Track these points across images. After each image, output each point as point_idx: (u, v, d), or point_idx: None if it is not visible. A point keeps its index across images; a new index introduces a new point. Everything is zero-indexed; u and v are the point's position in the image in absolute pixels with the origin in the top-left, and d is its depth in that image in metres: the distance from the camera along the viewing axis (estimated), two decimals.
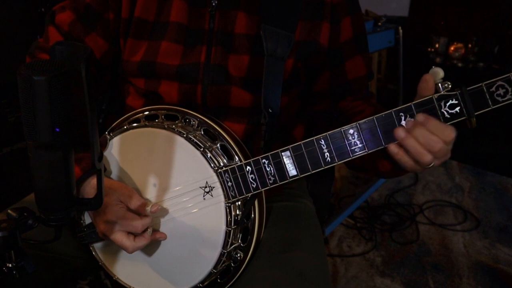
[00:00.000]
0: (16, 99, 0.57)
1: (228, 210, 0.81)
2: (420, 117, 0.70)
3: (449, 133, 0.70)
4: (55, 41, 0.91)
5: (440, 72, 0.70)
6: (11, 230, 0.60)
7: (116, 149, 0.89)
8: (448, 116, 0.71)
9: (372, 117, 0.74)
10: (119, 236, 0.81)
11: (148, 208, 0.82)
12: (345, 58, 0.98)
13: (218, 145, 0.85)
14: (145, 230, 0.83)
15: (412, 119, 0.72)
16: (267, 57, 0.88)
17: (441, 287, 1.96)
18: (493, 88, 0.67)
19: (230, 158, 0.84)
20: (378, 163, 0.87)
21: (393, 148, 0.73)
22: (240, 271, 0.87)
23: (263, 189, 0.82)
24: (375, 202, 2.59)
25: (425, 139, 0.70)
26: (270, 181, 0.80)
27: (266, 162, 0.80)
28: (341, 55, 0.97)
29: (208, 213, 0.83)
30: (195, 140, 0.82)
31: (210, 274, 0.84)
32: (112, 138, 0.89)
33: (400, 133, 0.71)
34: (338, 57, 0.97)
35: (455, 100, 0.70)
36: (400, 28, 2.61)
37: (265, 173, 0.80)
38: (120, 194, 0.82)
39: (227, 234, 0.81)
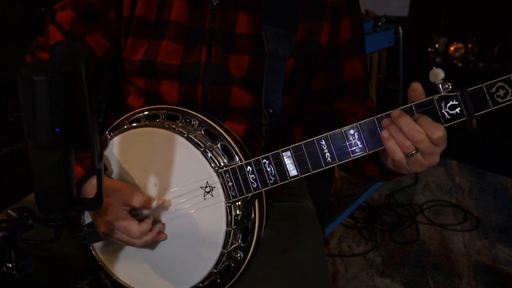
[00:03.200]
0: (16, 99, 0.57)
1: (228, 210, 0.81)
2: (416, 115, 0.71)
3: (436, 129, 0.69)
4: (55, 40, 0.91)
5: (440, 73, 0.70)
6: (11, 230, 0.60)
7: (116, 149, 0.89)
8: (449, 117, 0.71)
9: (372, 117, 0.74)
10: (124, 237, 0.81)
11: (155, 203, 0.82)
12: (343, 59, 0.97)
13: (218, 145, 0.85)
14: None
15: (399, 110, 0.72)
16: (268, 58, 0.88)
17: (441, 287, 1.96)
18: (493, 89, 0.67)
19: (231, 158, 0.84)
20: (365, 166, 0.87)
21: (384, 132, 0.72)
22: (240, 271, 0.87)
23: (263, 189, 0.82)
24: (375, 202, 2.59)
25: (408, 127, 0.70)
26: (271, 181, 0.80)
27: (267, 162, 0.80)
28: (339, 56, 0.97)
29: (208, 213, 0.83)
30: (196, 140, 0.82)
31: (210, 274, 0.84)
32: (113, 137, 0.89)
33: (385, 121, 0.72)
34: (336, 58, 0.97)
35: (456, 101, 0.70)
36: (400, 28, 2.61)
37: (265, 173, 0.80)
38: (123, 194, 0.82)
39: (227, 234, 0.81)
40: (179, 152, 0.83)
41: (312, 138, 0.77)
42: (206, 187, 0.82)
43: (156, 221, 0.87)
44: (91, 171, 0.63)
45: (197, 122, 0.88)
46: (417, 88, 0.72)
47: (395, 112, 0.71)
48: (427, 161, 0.73)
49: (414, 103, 0.72)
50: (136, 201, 0.82)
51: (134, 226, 0.80)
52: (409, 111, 0.72)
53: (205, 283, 0.86)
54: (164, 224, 0.87)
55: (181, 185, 0.84)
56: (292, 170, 0.79)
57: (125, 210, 0.82)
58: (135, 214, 0.87)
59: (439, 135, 0.69)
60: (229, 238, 0.82)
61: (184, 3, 0.91)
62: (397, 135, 0.71)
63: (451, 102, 0.70)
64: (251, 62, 0.91)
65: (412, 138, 0.70)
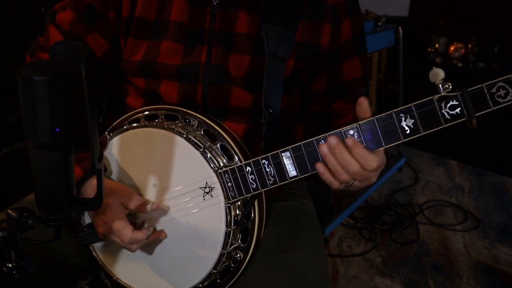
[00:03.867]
0: (16, 99, 0.57)
1: (228, 210, 0.81)
2: (349, 141, 0.72)
3: (371, 162, 0.72)
4: (55, 40, 0.91)
5: (440, 73, 0.70)
6: (11, 230, 0.60)
7: (116, 149, 0.89)
8: (449, 117, 0.71)
9: (372, 117, 0.74)
10: (118, 239, 0.81)
11: (149, 206, 0.82)
12: (343, 60, 0.97)
13: (218, 145, 0.85)
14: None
15: (336, 138, 0.73)
16: (268, 57, 0.88)
17: (441, 287, 1.96)
18: (494, 89, 0.67)
19: (230, 158, 0.84)
20: None
21: (319, 167, 0.75)
22: (240, 272, 0.87)
23: (263, 190, 0.81)
24: (375, 202, 2.59)
25: (344, 161, 0.72)
26: (270, 182, 0.80)
27: (266, 162, 0.79)
28: (339, 56, 0.97)
29: (208, 214, 0.83)
30: (195, 140, 0.82)
31: (210, 275, 0.84)
32: (112, 138, 0.89)
33: (323, 149, 0.74)
34: (336, 58, 0.97)
35: (456, 101, 0.70)
36: (400, 28, 2.61)
37: (265, 173, 0.80)
38: (120, 196, 0.82)
39: (227, 234, 0.81)
40: (178, 152, 0.83)
41: (312, 139, 0.77)
42: (206, 187, 0.82)
43: (156, 222, 0.87)
44: (91, 171, 0.63)
45: (196, 122, 0.88)
46: (363, 102, 0.73)
47: (332, 140, 0.73)
48: (363, 184, 0.77)
49: (414, 104, 0.72)
50: (133, 204, 0.82)
51: (127, 232, 0.80)
52: (408, 112, 0.72)
53: (205, 284, 0.86)
54: (163, 225, 0.87)
55: (181, 186, 0.84)
56: (292, 171, 0.79)
57: (123, 213, 0.81)
58: (135, 218, 0.87)
59: (373, 167, 0.73)
60: (229, 239, 0.82)
61: (184, 3, 0.91)
62: (334, 169, 0.74)
63: (451, 102, 0.70)
64: (251, 62, 0.90)
65: (347, 171, 0.73)
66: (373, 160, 0.72)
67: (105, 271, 0.95)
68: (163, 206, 0.86)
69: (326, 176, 0.75)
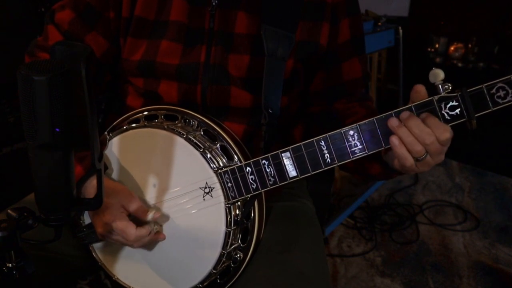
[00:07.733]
0: (16, 99, 0.57)
1: (228, 210, 0.81)
2: (423, 115, 0.71)
3: (443, 131, 0.69)
4: (55, 40, 0.91)
5: (440, 74, 0.70)
6: (11, 230, 0.60)
7: (115, 149, 0.89)
8: (449, 118, 0.71)
9: (372, 118, 0.74)
10: (120, 238, 0.81)
11: (150, 215, 0.82)
12: (342, 60, 0.97)
13: (218, 145, 0.85)
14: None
15: (409, 112, 0.71)
16: (267, 57, 0.88)
17: (441, 287, 1.96)
18: (494, 90, 0.67)
19: (230, 158, 0.84)
20: (369, 167, 0.87)
21: (394, 139, 0.71)
22: (240, 272, 0.87)
23: (263, 190, 0.81)
24: (375, 202, 2.59)
25: (418, 129, 0.70)
26: (270, 182, 0.80)
27: (266, 163, 0.79)
28: (338, 56, 0.97)
29: (208, 214, 0.83)
30: (195, 140, 0.82)
31: (209, 275, 0.84)
32: (112, 138, 0.89)
33: (393, 121, 0.71)
34: (334, 58, 0.97)
35: (456, 102, 0.70)
36: (400, 28, 2.61)
37: (265, 174, 0.80)
38: (122, 198, 0.81)
39: (227, 234, 0.81)
40: (178, 152, 0.83)
41: (312, 139, 0.77)
42: (206, 187, 0.82)
43: (155, 222, 0.87)
44: (91, 170, 0.63)
45: (196, 122, 0.88)
46: (421, 90, 0.72)
47: (404, 114, 0.71)
48: (435, 160, 0.73)
49: (414, 104, 0.72)
50: (133, 207, 0.82)
51: (131, 230, 0.80)
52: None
53: (205, 284, 0.86)
54: (163, 225, 0.87)
55: (181, 186, 0.84)
56: (292, 171, 0.79)
57: (124, 213, 0.81)
58: (135, 217, 0.87)
59: (447, 137, 0.70)
60: (229, 239, 0.82)
61: (183, 3, 0.91)
62: (408, 140, 0.70)
63: (451, 103, 0.70)
64: (250, 62, 0.90)
65: (422, 141, 0.70)
66: (446, 129, 0.70)
67: (105, 271, 0.95)
68: (163, 206, 0.86)
69: (401, 151, 0.71)
